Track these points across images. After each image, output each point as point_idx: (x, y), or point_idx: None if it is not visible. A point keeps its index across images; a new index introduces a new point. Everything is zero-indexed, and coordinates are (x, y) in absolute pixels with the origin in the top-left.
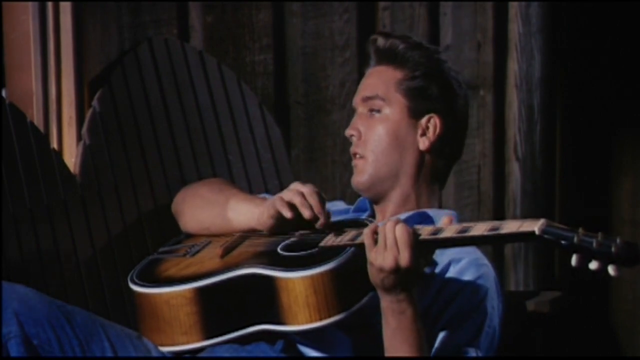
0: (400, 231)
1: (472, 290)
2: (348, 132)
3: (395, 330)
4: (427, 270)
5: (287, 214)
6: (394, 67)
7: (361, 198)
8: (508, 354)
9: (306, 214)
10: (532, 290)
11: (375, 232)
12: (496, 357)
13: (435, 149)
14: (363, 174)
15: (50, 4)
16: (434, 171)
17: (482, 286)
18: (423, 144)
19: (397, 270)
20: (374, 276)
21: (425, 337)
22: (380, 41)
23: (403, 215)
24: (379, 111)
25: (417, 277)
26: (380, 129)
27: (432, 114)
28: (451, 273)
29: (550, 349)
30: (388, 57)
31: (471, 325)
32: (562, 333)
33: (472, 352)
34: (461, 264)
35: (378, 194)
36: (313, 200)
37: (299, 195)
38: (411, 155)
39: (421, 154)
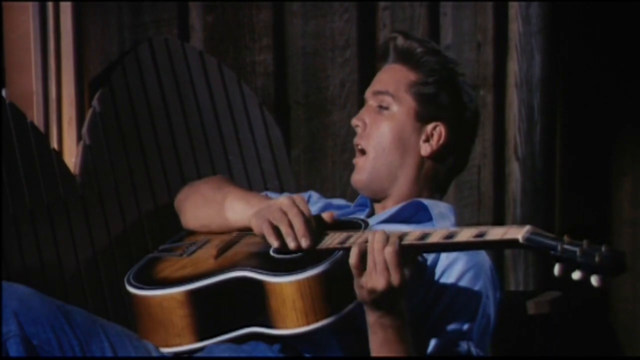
0: (390, 255)
1: (464, 280)
2: (354, 121)
3: (384, 342)
4: (419, 259)
5: (275, 243)
6: (409, 68)
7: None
8: (508, 354)
9: (291, 245)
10: (532, 290)
11: (362, 254)
12: (496, 357)
13: (437, 157)
14: (362, 172)
15: (50, 4)
16: (435, 179)
17: (475, 276)
18: (425, 150)
19: (390, 290)
20: (364, 297)
21: (413, 344)
22: (400, 40)
23: (398, 206)
24: (387, 108)
25: (405, 290)
26: (385, 126)
27: (438, 122)
28: (443, 262)
29: (550, 349)
30: (405, 58)
31: (463, 318)
32: (562, 333)
33: (464, 345)
34: (454, 254)
35: (375, 193)
36: (298, 224)
37: (285, 221)
38: (412, 158)
39: (422, 159)
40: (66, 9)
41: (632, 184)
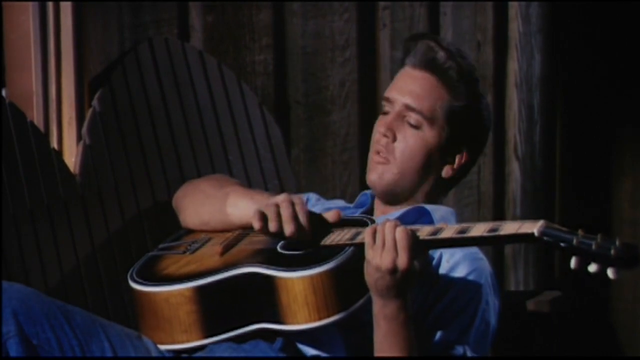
0: (400, 233)
1: (464, 284)
2: (382, 129)
3: (386, 335)
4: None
5: (256, 224)
6: (444, 88)
7: (362, 193)
8: (508, 354)
9: (271, 226)
10: (532, 290)
11: (375, 232)
12: (495, 357)
13: (454, 177)
14: (381, 179)
15: (50, 4)
16: (445, 190)
17: (475, 281)
18: (446, 172)
19: (394, 271)
20: (370, 275)
21: (416, 343)
22: (442, 56)
23: (401, 211)
24: (418, 127)
25: (411, 281)
26: (414, 146)
27: (464, 149)
28: (444, 267)
29: (550, 349)
30: (442, 75)
31: (461, 322)
32: (562, 333)
33: (460, 349)
34: (455, 258)
35: (387, 198)
36: (284, 211)
37: (272, 207)
38: (433, 178)
39: (441, 178)
40: (66, 9)
41: (632, 184)
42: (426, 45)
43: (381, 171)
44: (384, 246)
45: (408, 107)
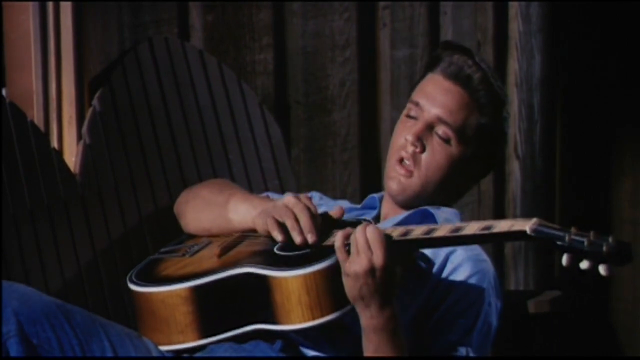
0: (371, 232)
1: (467, 286)
2: (412, 139)
3: (377, 349)
4: (423, 265)
5: (279, 237)
6: (474, 103)
7: (370, 196)
8: (508, 354)
9: (297, 239)
10: (532, 290)
11: (345, 244)
12: (496, 357)
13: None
14: (404, 191)
15: (50, 4)
16: (459, 197)
17: (478, 282)
18: (466, 186)
19: (372, 271)
20: (351, 288)
21: (407, 347)
22: (477, 77)
23: (404, 214)
24: (448, 142)
25: (394, 282)
26: (441, 160)
27: (486, 166)
28: (448, 268)
29: (550, 349)
30: (474, 91)
31: (464, 323)
32: (562, 333)
33: (463, 351)
34: (459, 260)
35: (403, 205)
36: (304, 219)
37: (290, 215)
38: (452, 189)
39: (459, 190)
40: (66, 8)
41: (632, 184)
42: (464, 61)
43: (404, 184)
44: (357, 250)
45: (440, 120)
